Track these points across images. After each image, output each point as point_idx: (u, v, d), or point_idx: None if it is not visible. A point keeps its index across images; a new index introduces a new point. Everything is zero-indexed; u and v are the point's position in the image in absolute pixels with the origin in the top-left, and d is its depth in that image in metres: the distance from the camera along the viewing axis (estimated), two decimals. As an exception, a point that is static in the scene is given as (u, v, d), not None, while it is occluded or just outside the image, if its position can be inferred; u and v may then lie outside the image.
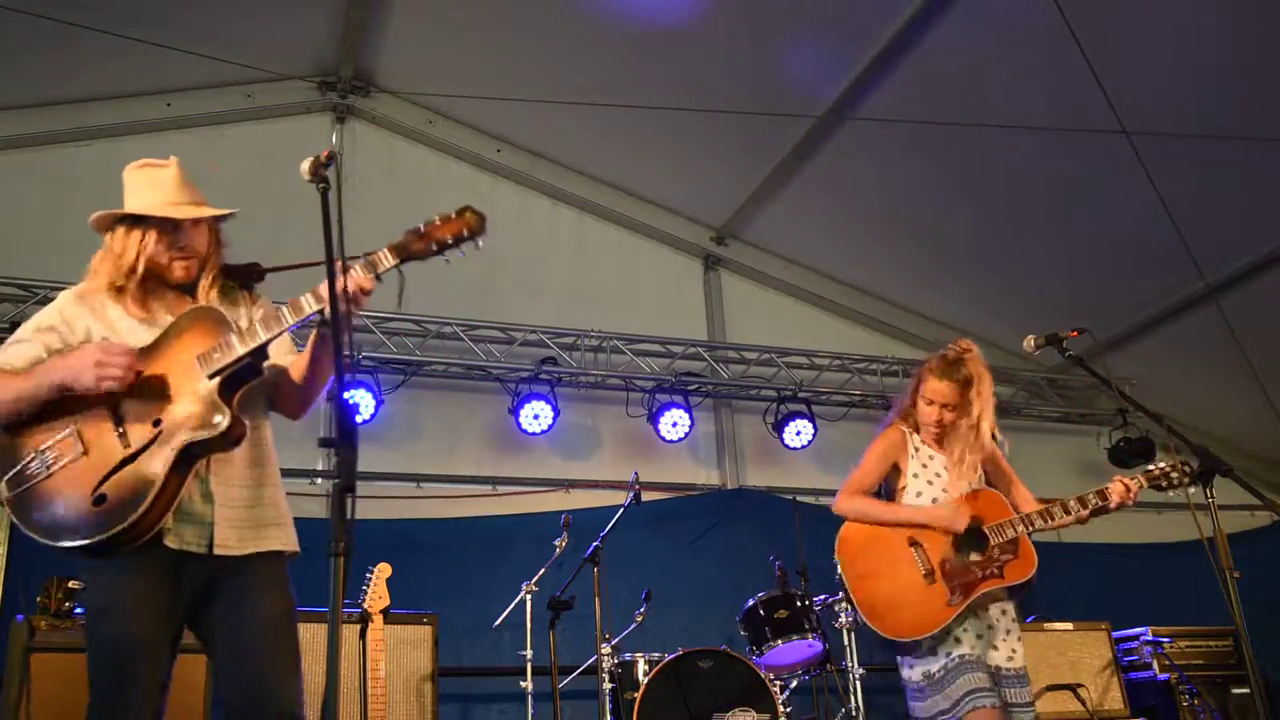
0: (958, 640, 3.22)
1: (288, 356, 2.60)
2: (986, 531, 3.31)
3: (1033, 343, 3.42)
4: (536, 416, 6.49)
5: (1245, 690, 5.87)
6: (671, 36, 5.89)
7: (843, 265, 7.84)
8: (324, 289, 2.30)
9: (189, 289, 2.55)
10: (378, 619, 4.07)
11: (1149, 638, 6.02)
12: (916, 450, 3.53)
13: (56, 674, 3.99)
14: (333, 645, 1.75)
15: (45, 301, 5.57)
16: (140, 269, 2.47)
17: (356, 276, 2.34)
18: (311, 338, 2.51)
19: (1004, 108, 5.73)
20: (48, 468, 2.27)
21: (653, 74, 6.20)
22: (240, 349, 2.33)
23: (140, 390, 2.32)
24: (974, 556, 3.30)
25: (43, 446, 2.29)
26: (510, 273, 7.09)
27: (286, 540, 2.50)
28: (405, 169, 6.96)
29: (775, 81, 6.17)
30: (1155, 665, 5.94)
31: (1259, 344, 6.81)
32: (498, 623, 4.99)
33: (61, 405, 2.31)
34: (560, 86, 6.39)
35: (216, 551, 2.34)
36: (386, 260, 2.39)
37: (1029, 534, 3.32)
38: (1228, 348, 6.77)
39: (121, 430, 2.29)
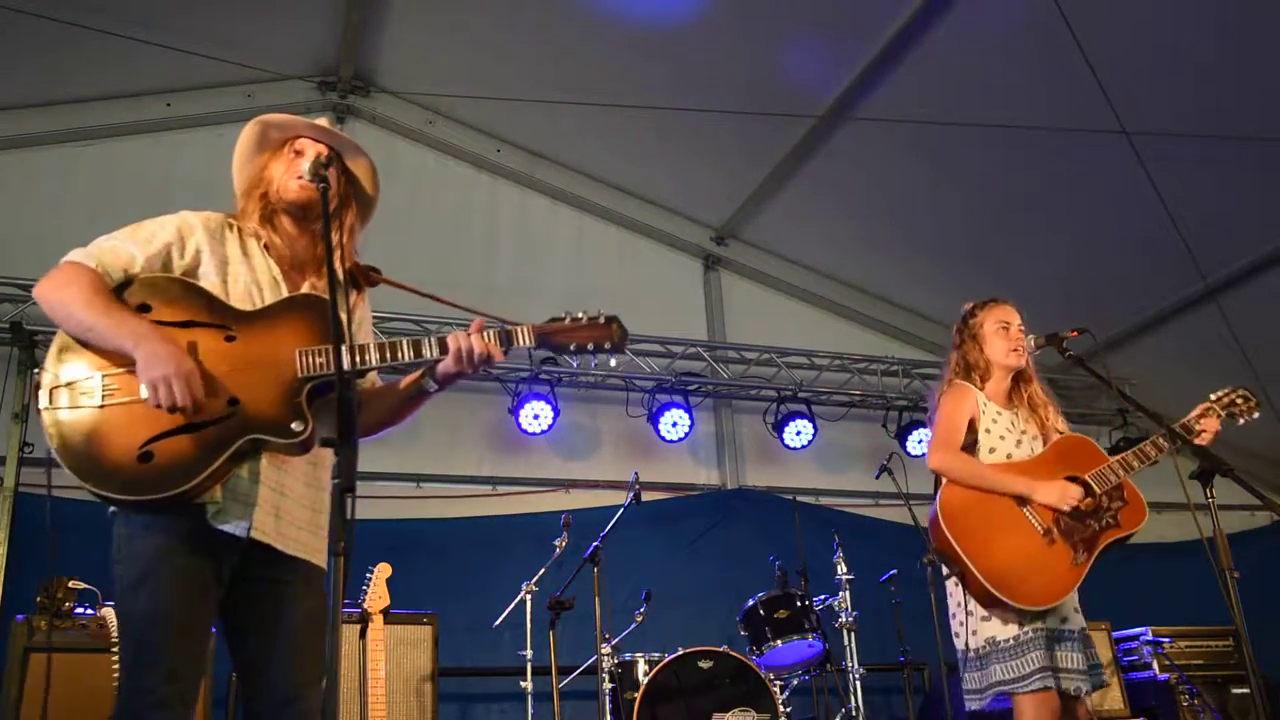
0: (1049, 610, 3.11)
1: (372, 378, 2.50)
2: (1089, 480, 3.19)
3: (1033, 343, 3.41)
4: (536, 416, 6.49)
5: (1245, 690, 5.87)
6: (672, 36, 5.89)
7: (843, 265, 7.84)
8: (453, 340, 2.26)
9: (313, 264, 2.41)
10: (378, 619, 4.07)
11: (1149, 638, 6.02)
12: (985, 406, 3.39)
13: (56, 674, 3.99)
14: (333, 645, 1.75)
15: (45, 301, 5.64)
16: (276, 191, 2.37)
17: (488, 343, 2.29)
18: (407, 381, 2.41)
19: (1004, 108, 5.73)
20: (102, 396, 2.08)
21: (653, 74, 6.20)
22: (346, 364, 2.10)
23: (228, 357, 2.15)
24: (1084, 509, 3.16)
25: (104, 370, 2.10)
26: (510, 273, 7.10)
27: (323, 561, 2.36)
28: (405, 169, 6.95)
29: (775, 81, 6.17)
30: (1155, 665, 5.95)
31: (1259, 344, 6.80)
32: (498, 623, 4.99)
33: None
34: (560, 86, 6.39)
35: (254, 535, 2.15)
36: (524, 339, 2.35)
37: (1129, 476, 3.21)
38: (1228, 348, 6.76)
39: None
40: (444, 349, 2.28)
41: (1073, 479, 3.21)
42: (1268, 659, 3.46)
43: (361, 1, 6.05)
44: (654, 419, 6.85)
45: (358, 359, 2.23)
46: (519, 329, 2.33)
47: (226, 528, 2.14)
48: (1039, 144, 5.94)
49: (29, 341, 5.59)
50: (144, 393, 2.06)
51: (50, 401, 2.09)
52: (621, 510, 4.91)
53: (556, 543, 4.93)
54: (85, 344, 2.13)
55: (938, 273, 7.52)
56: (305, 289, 2.38)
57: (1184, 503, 3.08)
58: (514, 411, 6.51)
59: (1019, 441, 3.35)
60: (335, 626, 1.76)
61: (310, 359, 2.18)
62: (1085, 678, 3.14)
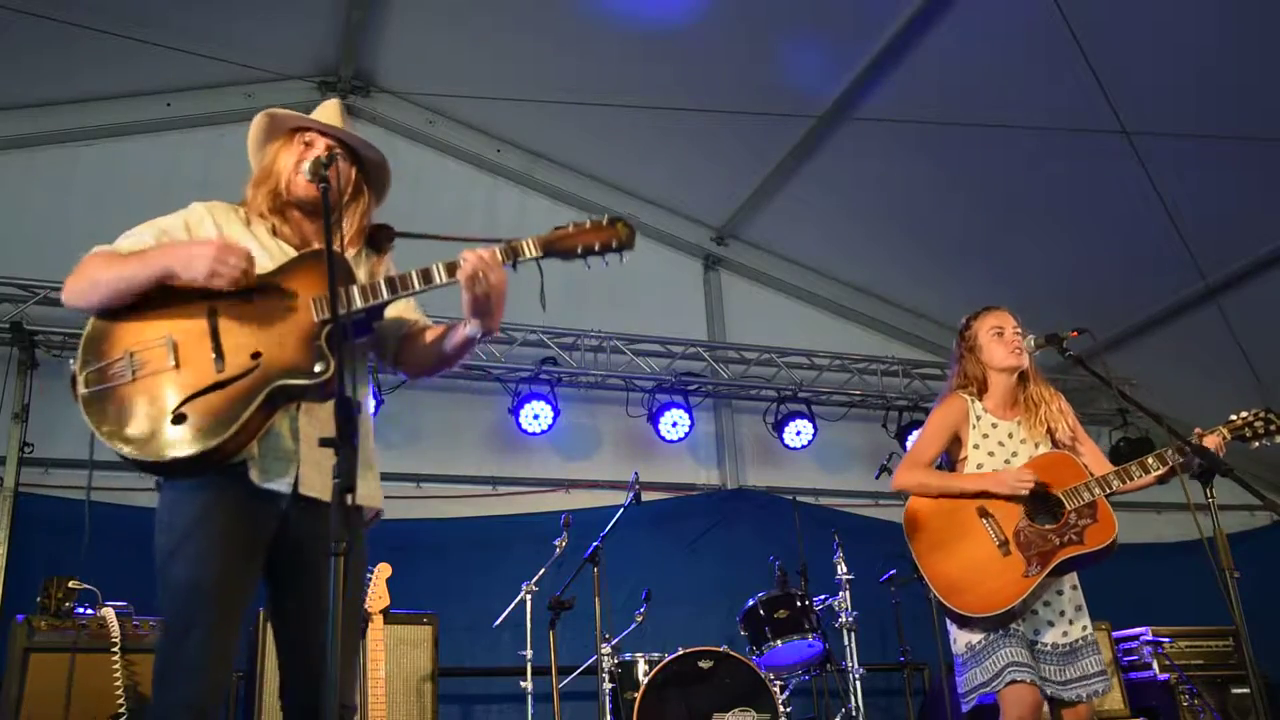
0: (1007, 614, 3.11)
1: (413, 313, 2.53)
2: (1061, 496, 3.19)
3: (1033, 343, 3.40)
4: (536, 416, 6.49)
5: (1245, 690, 5.87)
6: (672, 36, 5.89)
7: (843, 265, 7.84)
8: (462, 262, 2.25)
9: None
10: (378, 619, 4.07)
11: (1149, 638, 6.02)
12: (979, 419, 3.40)
13: (56, 674, 3.99)
14: (332, 645, 1.75)
15: (46, 301, 5.66)
16: (284, 186, 2.39)
17: (488, 254, 2.28)
18: (457, 330, 2.42)
19: (1004, 108, 5.73)
20: (133, 372, 2.14)
21: (653, 74, 6.20)
22: (359, 302, 2.23)
23: (247, 315, 2.21)
24: (1049, 523, 3.16)
25: (134, 349, 2.17)
26: (510, 273, 7.08)
27: (370, 495, 2.36)
28: (405, 169, 6.87)
29: (775, 81, 6.17)
30: (1155, 665, 5.95)
31: (1259, 344, 6.80)
32: (498, 623, 4.99)
33: (162, 308, 2.20)
34: (560, 86, 6.39)
35: (301, 490, 2.20)
36: (530, 250, 2.35)
37: (1107, 496, 3.19)
38: (1228, 348, 6.77)
39: (218, 352, 2.16)
40: (451, 273, 2.28)
41: (1047, 495, 3.21)
42: (1268, 659, 3.46)
43: (362, 1, 6.05)
44: (654, 419, 6.85)
45: (369, 297, 2.26)
46: (522, 241, 2.34)
47: (270, 485, 2.19)
48: (1039, 144, 5.94)
49: (29, 341, 5.59)
50: (213, 281, 2.15)
51: (86, 385, 2.15)
52: (621, 510, 4.92)
53: (556, 543, 4.93)
54: (120, 305, 2.19)
55: (938, 272, 7.52)
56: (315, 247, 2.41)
57: (1184, 503, 3.08)
58: (514, 411, 6.51)
59: (1015, 453, 3.35)
60: (336, 626, 1.76)
61: (324, 304, 2.22)
62: (1068, 687, 3.13)
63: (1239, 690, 5.93)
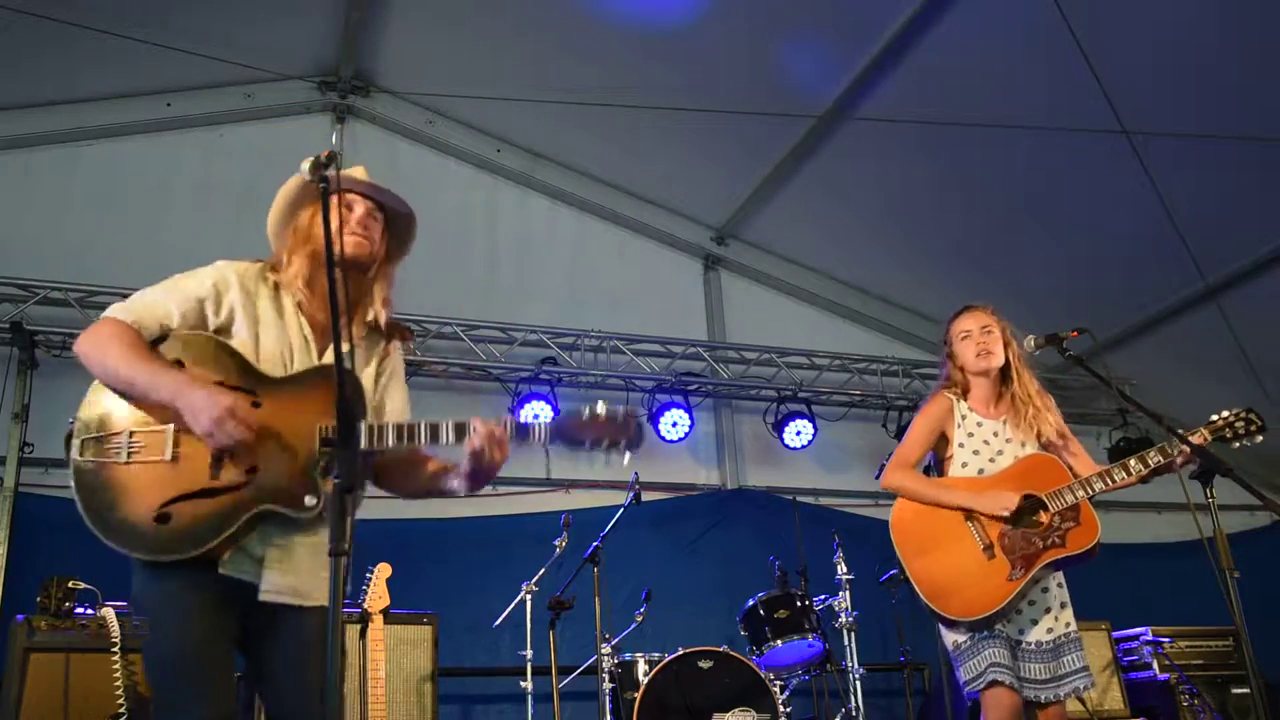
0: (991, 618, 3.13)
1: (403, 414, 2.51)
2: (1044, 499, 3.21)
3: (1033, 343, 3.40)
4: (536, 416, 6.45)
5: (1245, 690, 5.87)
6: (671, 36, 5.89)
7: (843, 265, 7.84)
8: (475, 432, 2.30)
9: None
10: (378, 619, 4.07)
11: (1149, 638, 6.02)
12: (964, 417, 3.43)
13: (56, 674, 3.99)
14: (333, 645, 1.75)
15: (46, 301, 5.66)
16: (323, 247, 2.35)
17: (499, 431, 2.33)
18: (448, 479, 2.46)
19: (1004, 108, 5.73)
20: (129, 454, 2.15)
21: (653, 74, 6.20)
22: (363, 443, 2.22)
23: (254, 424, 2.20)
24: (1033, 525, 3.19)
25: (135, 429, 2.17)
26: (510, 273, 7.10)
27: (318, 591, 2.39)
28: (405, 169, 6.95)
29: (775, 81, 6.17)
30: (1155, 665, 5.95)
31: (1259, 344, 6.80)
32: (498, 623, 4.99)
33: None
34: (560, 86, 6.39)
35: (262, 598, 2.22)
36: (539, 434, 2.39)
37: (1089, 499, 3.21)
38: (1228, 348, 6.77)
39: (218, 459, 2.17)
40: (459, 437, 2.31)
41: (1029, 497, 3.23)
42: (1268, 659, 3.45)
43: (361, 1, 6.05)
44: (654, 419, 6.85)
45: (374, 440, 2.26)
46: (536, 425, 2.38)
47: (237, 575, 2.20)
48: (1039, 144, 5.94)
49: (29, 341, 5.59)
50: (208, 443, 2.13)
51: (80, 453, 2.16)
52: (621, 510, 4.91)
53: (556, 543, 4.93)
54: (125, 397, 2.20)
55: (938, 272, 7.52)
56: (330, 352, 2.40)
57: (1184, 503, 3.08)
58: (514, 411, 6.51)
59: (1000, 451, 3.36)
60: (336, 626, 1.76)
61: (329, 435, 2.21)
62: (1043, 687, 3.15)
63: (1239, 690, 5.93)
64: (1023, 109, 5.71)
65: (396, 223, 2.55)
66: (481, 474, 2.39)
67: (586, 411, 2.39)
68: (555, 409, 6.48)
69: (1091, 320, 3.59)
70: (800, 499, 6.58)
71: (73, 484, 2.15)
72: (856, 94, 6.05)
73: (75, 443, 2.17)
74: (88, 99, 6.30)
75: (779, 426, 7.15)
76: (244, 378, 2.26)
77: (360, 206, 2.45)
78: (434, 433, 2.29)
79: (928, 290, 7.75)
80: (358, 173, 2.53)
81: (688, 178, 7.34)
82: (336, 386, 1.93)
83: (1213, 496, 2.96)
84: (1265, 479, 7.66)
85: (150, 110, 6.43)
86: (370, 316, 2.47)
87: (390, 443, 2.27)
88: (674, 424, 6.81)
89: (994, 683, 3.07)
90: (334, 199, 2.38)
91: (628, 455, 2.44)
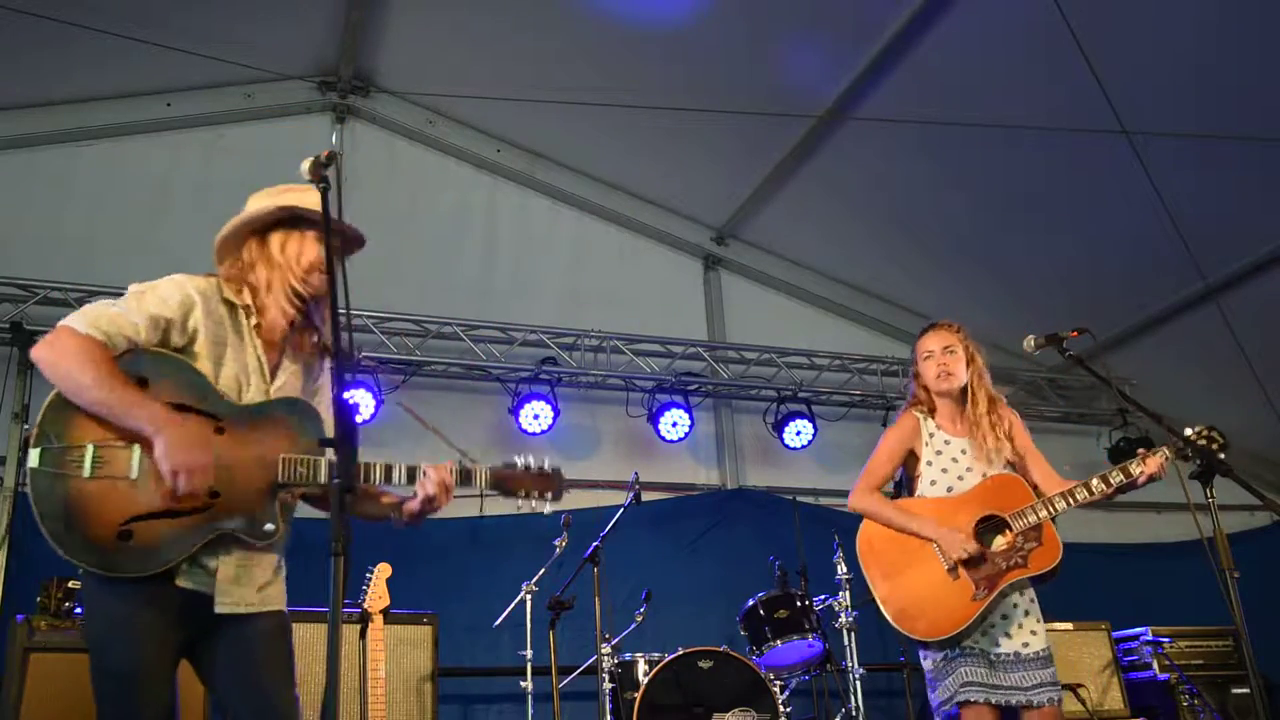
0: (959, 636, 3.17)
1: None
2: (1008, 519, 3.24)
3: (1033, 343, 3.41)
4: (536, 416, 6.48)
5: (1245, 690, 5.87)
6: (671, 36, 5.89)
7: (843, 265, 7.84)
8: (422, 479, 2.45)
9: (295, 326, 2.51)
10: (378, 619, 4.07)
11: (1149, 638, 6.02)
12: (932, 436, 3.47)
13: (56, 674, 3.99)
14: (333, 645, 1.75)
15: (46, 302, 5.65)
16: (298, 284, 2.44)
17: (449, 479, 2.49)
18: (386, 502, 2.57)
19: (1004, 108, 5.73)
20: (91, 469, 2.16)
21: (653, 74, 6.20)
22: (323, 477, 2.31)
23: (218, 449, 2.24)
24: (997, 547, 3.24)
25: (99, 443, 2.17)
26: (510, 273, 7.09)
27: (284, 599, 2.47)
28: (405, 169, 6.95)
29: (775, 81, 6.17)
30: (1155, 665, 5.95)
31: (1259, 344, 6.80)
32: (498, 623, 4.99)
33: None
34: (560, 86, 6.39)
35: (219, 610, 2.27)
36: (481, 480, 2.60)
37: (1052, 518, 3.23)
38: (1228, 348, 6.76)
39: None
40: (411, 480, 2.45)
41: (990, 518, 3.27)
42: (1268, 659, 3.45)
43: (361, 1, 6.05)
44: (654, 419, 6.85)
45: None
46: (478, 469, 2.60)
47: (194, 588, 2.25)
48: (1039, 144, 5.94)
49: (29, 341, 5.59)
50: (167, 481, 2.16)
51: (39, 462, 2.15)
52: (621, 510, 4.91)
53: (556, 543, 4.92)
54: (89, 413, 2.19)
55: (938, 272, 7.52)
56: (282, 371, 2.46)
57: (1184, 503, 3.08)
58: (514, 411, 6.51)
59: (969, 468, 3.39)
60: (336, 626, 1.76)
61: (292, 468, 2.29)
62: (1025, 693, 3.14)
63: (1239, 690, 5.93)
64: (1023, 109, 5.71)
65: (346, 242, 2.55)
66: (426, 512, 2.52)
67: (520, 464, 2.66)
68: (555, 409, 6.48)
69: (1091, 320, 3.59)
70: (800, 499, 6.58)
71: (30, 491, 2.15)
72: (856, 94, 6.05)
73: (34, 451, 2.15)
74: (88, 99, 6.30)
75: (779, 426, 7.15)
76: (207, 403, 2.29)
77: (320, 245, 2.41)
78: (388, 473, 2.43)
79: (928, 290, 7.75)
80: (311, 200, 2.40)
81: (688, 178, 7.34)
82: (336, 384, 1.93)
83: (1213, 496, 2.96)
84: (1265, 479, 7.66)
85: (150, 110, 6.43)
86: (316, 340, 2.53)
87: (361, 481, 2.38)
88: (674, 424, 6.81)
89: (967, 701, 3.09)
90: (297, 235, 2.45)
91: (549, 505, 2.74)
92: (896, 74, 5.80)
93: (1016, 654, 3.20)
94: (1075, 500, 3.22)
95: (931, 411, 3.52)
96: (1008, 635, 3.22)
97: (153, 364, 2.27)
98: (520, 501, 2.66)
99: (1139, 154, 5.68)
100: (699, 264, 7.82)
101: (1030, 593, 3.31)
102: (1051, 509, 3.23)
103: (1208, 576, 2.92)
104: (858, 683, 5.03)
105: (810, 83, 6.12)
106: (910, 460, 3.51)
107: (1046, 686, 3.17)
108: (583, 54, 6.20)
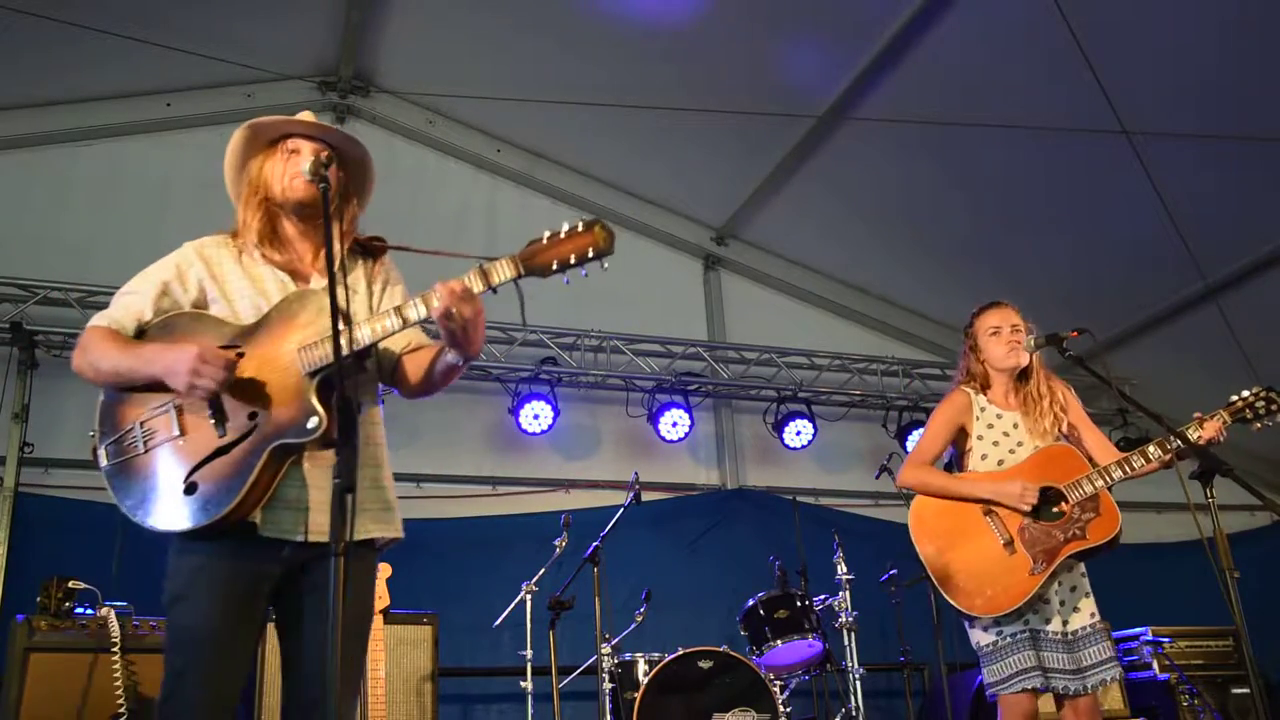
0: (1017, 612, 3.12)
1: (404, 336, 2.43)
2: (1064, 490, 3.20)
3: (1033, 342, 3.41)
4: (536, 416, 6.49)
5: (1245, 690, 5.87)
6: (672, 36, 5.90)
7: (843, 265, 7.84)
8: (436, 295, 2.17)
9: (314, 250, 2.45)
10: (377, 619, 4.07)
11: (1149, 638, 6.02)
12: (983, 410, 3.42)
13: (56, 674, 3.99)
14: (333, 645, 1.75)
15: (46, 302, 5.66)
16: (280, 192, 2.41)
17: (458, 286, 2.17)
18: (441, 357, 2.36)
19: (1004, 108, 5.73)
20: (144, 443, 2.22)
21: (653, 74, 6.20)
22: (344, 350, 2.08)
23: (244, 372, 2.22)
24: (1053, 518, 3.17)
25: (143, 419, 2.25)
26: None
27: (384, 527, 2.37)
28: (405, 169, 6.95)
29: (775, 81, 6.17)
30: (1155, 665, 5.94)
31: (1259, 344, 6.80)
32: (498, 623, 4.99)
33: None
34: (560, 86, 6.39)
35: (311, 539, 2.20)
36: (503, 272, 2.20)
37: (1109, 488, 3.21)
38: (1228, 348, 6.76)
39: (217, 416, 2.19)
40: (430, 306, 2.21)
41: (1048, 489, 3.22)
42: (1268, 659, 3.46)
43: (361, 1, 6.05)
44: (654, 419, 6.85)
45: (352, 344, 2.22)
46: (497, 262, 2.20)
47: (277, 535, 2.20)
48: (1039, 144, 5.94)
49: (29, 341, 5.59)
50: (192, 394, 2.17)
51: (107, 459, 2.25)
52: (621, 510, 4.91)
53: (556, 543, 4.93)
54: (123, 390, 2.28)
55: (938, 272, 7.52)
56: (313, 284, 2.41)
57: (1184, 503, 3.08)
58: (514, 411, 6.51)
59: (1020, 442, 3.36)
60: (336, 626, 1.76)
61: (309, 353, 2.22)
62: (1072, 678, 3.13)
63: (1239, 690, 5.93)
64: (1023, 109, 5.71)
65: (350, 165, 2.51)
66: (461, 335, 2.22)
67: (546, 235, 2.21)
68: (555, 409, 6.48)
69: (1091, 320, 3.60)
70: (800, 499, 6.58)
71: (110, 490, 2.21)
72: (856, 94, 6.05)
73: (101, 451, 2.25)
74: (88, 99, 6.30)
75: (779, 426, 7.15)
76: (222, 336, 2.29)
77: (307, 148, 2.42)
78: (403, 316, 2.22)
79: (928, 290, 7.75)
80: (305, 116, 2.53)
81: (688, 178, 7.34)
82: (337, 383, 1.93)
83: (1213, 496, 2.96)
84: (1265, 479, 7.66)
85: (150, 110, 6.43)
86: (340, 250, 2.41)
87: (366, 339, 2.24)
88: (674, 424, 6.82)
89: (1025, 689, 3.06)
90: (279, 147, 2.46)
91: (605, 263, 2.24)
92: (896, 74, 5.80)
93: (1062, 633, 3.16)
94: (1132, 468, 3.20)
95: (984, 388, 3.47)
96: (1059, 612, 3.17)
97: (162, 329, 2.33)
98: (568, 274, 2.22)
99: (1139, 154, 5.68)
100: (699, 264, 7.82)
101: (1081, 566, 3.27)
102: (1108, 478, 3.20)
103: (1208, 576, 2.92)
104: (858, 683, 5.03)
105: (810, 82, 6.12)
106: (960, 438, 3.45)
107: (1099, 666, 3.13)
108: (583, 54, 6.20)
